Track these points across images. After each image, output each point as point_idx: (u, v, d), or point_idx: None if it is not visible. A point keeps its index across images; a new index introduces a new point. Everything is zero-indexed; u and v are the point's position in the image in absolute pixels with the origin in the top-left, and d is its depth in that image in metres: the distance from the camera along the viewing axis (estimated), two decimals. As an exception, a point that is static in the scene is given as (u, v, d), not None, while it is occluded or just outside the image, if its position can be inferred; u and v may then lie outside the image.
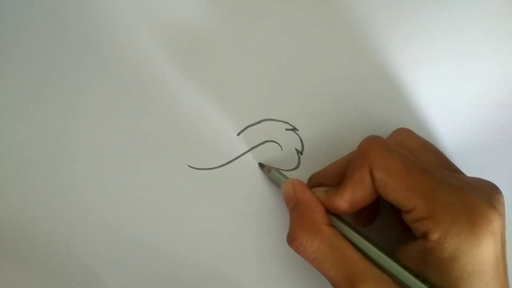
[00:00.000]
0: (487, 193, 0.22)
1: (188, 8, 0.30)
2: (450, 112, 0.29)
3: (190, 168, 0.29)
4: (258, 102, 0.28)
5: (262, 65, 0.29)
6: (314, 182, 0.27)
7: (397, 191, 0.21)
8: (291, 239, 0.23)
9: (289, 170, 0.28)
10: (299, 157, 0.29)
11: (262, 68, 0.29)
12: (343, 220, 0.25)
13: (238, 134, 0.29)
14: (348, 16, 0.28)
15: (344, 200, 0.23)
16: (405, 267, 0.22)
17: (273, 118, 0.28)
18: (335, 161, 0.27)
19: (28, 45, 0.30)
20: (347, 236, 0.23)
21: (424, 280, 0.21)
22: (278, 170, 0.27)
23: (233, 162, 0.28)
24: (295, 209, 0.24)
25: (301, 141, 0.29)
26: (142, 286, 0.29)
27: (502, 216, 0.21)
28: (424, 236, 0.21)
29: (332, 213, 0.24)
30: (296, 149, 0.29)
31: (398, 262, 0.22)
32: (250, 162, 0.28)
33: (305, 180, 0.28)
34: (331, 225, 0.24)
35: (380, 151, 0.22)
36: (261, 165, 0.28)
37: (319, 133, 0.28)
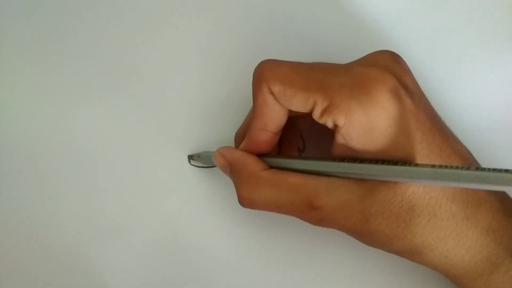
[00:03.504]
0: (379, 61, 0.22)
1: (190, 5, 0.30)
2: (452, 111, 0.28)
3: (191, 165, 0.29)
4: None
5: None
6: (239, 140, 0.26)
7: (296, 96, 0.21)
8: (241, 201, 0.23)
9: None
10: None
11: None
12: (277, 156, 0.25)
13: (239, 132, 0.29)
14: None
15: (259, 128, 0.23)
16: (343, 159, 0.21)
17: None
18: (248, 113, 0.27)
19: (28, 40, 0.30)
20: (287, 167, 0.23)
21: (360, 161, 0.21)
22: (205, 151, 0.28)
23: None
24: (232, 172, 0.24)
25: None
26: (142, 285, 0.29)
27: (403, 71, 0.22)
28: (337, 127, 0.21)
29: (263, 155, 0.24)
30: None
31: (335, 159, 0.22)
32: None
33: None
34: (270, 167, 0.23)
35: (270, 66, 0.22)
36: (189, 158, 0.29)
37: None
